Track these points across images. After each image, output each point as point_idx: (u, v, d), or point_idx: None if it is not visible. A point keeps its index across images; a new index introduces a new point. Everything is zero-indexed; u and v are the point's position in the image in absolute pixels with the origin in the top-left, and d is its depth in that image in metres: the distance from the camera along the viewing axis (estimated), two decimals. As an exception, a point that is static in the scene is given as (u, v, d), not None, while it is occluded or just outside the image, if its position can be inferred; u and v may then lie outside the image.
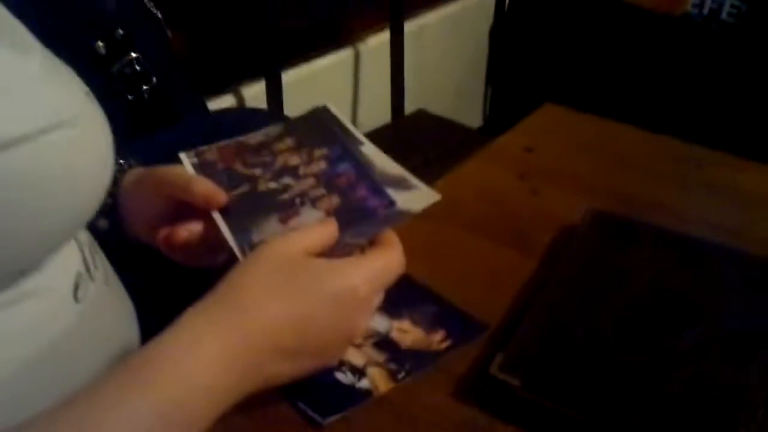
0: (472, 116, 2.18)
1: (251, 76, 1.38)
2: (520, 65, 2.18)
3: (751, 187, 0.79)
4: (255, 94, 1.38)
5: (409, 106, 1.63)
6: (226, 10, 1.31)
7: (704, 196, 0.78)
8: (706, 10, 2.13)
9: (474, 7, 2.03)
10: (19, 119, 0.37)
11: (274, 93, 1.32)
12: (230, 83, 1.36)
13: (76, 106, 0.43)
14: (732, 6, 2.09)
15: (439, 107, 1.76)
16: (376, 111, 1.60)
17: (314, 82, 1.51)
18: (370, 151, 0.59)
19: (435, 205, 0.52)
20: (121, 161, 0.60)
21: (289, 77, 1.40)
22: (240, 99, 1.37)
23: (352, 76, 1.61)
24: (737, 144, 0.95)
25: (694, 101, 1.95)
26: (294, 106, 1.37)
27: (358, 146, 0.59)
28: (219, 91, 1.33)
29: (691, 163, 0.84)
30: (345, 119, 0.63)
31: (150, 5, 0.93)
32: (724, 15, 2.10)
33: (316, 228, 0.49)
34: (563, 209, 0.72)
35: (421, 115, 1.58)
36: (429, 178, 0.80)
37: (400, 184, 0.55)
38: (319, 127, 0.62)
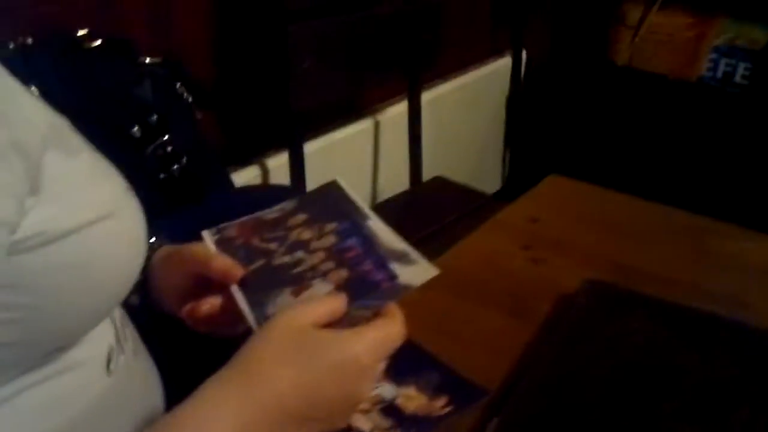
0: (490, 181, 2.24)
1: (275, 148, 1.46)
2: (537, 132, 2.24)
3: (753, 258, 0.82)
4: (279, 165, 1.45)
5: (429, 173, 1.69)
6: (250, 89, 1.40)
7: (705, 266, 0.81)
8: (720, 74, 2.19)
9: (490, 75, 2.10)
10: (69, 215, 0.43)
11: (297, 164, 1.40)
12: (255, 156, 1.44)
13: (117, 200, 0.49)
14: (745, 68, 2.14)
15: (457, 173, 1.82)
16: (395, 178, 1.66)
17: (335, 152, 1.58)
18: (376, 225, 0.64)
19: (441, 275, 0.56)
20: (152, 239, 0.66)
21: (311, 148, 1.47)
22: (264, 170, 1.45)
23: (372, 146, 1.68)
24: (750, 214, 0.97)
25: (710, 167, 1.97)
26: (316, 174, 1.44)
27: (365, 220, 0.64)
28: (245, 163, 1.41)
29: (693, 234, 0.87)
30: (353, 194, 0.68)
31: (181, 91, 1.02)
32: (737, 78, 2.15)
33: (324, 301, 0.53)
34: (564, 279, 0.76)
35: (439, 182, 1.64)
36: (441, 246, 0.85)
37: (403, 258, 0.60)
38: (330, 201, 0.67)
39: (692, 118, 2.03)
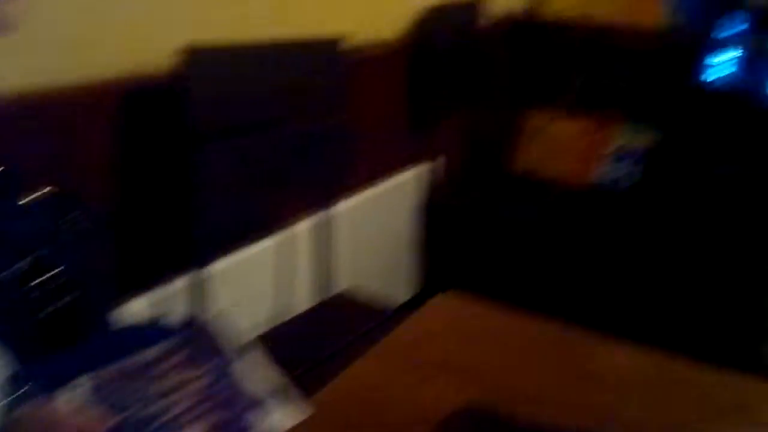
0: (405, 288, 2.28)
1: (178, 272, 1.44)
2: (448, 239, 2.31)
3: (630, 373, 0.85)
4: (179, 288, 1.43)
5: (343, 282, 1.71)
6: (152, 213, 1.40)
7: (586, 383, 0.84)
8: (614, 177, 2.35)
9: (400, 186, 2.18)
10: None
11: (197, 289, 1.39)
12: (156, 281, 1.41)
13: None
14: (637, 170, 2.30)
15: (371, 282, 1.86)
16: (305, 293, 1.67)
17: (241, 271, 1.58)
18: (251, 364, 0.65)
19: (318, 410, 0.57)
20: (20, 389, 0.64)
21: (216, 268, 1.46)
22: (165, 295, 1.42)
23: (280, 262, 1.69)
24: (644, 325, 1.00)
25: (610, 273, 2.02)
26: (221, 295, 1.43)
27: (242, 359, 0.65)
28: (144, 290, 1.38)
29: (576, 350, 0.91)
30: (233, 330, 0.69)
31: (74, 221, 1.01)
32: (630, 180, 2.30)
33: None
34: (445, 402, 0.77)
35: (347, 296, 1.66)
36: (333, 371, 0.84)
37: (275, 399, 0.61)
38: (206, 341, 0.69)
39: (592, 224, 2.13)
